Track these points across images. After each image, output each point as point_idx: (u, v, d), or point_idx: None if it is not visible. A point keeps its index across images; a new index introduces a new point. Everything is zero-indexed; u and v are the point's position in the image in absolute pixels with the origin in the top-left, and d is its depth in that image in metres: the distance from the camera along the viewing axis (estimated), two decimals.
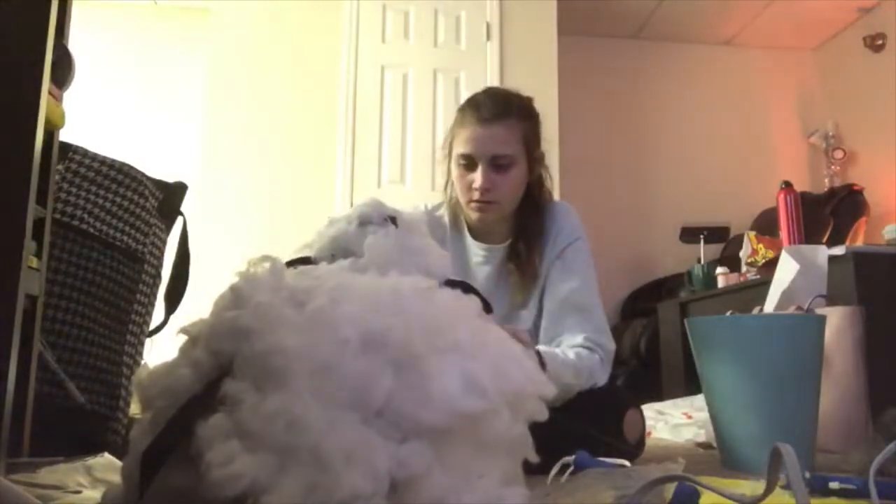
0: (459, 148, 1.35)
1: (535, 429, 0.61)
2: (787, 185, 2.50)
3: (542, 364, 1.12)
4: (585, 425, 1.11)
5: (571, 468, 0.87)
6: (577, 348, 1.28)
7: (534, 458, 0.61)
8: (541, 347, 1.25)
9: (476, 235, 1.45)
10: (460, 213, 1.46)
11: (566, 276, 1.36)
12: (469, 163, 1.34)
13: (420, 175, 3.11)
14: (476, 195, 1.34)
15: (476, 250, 1.44)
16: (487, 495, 0.53)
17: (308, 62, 3.20)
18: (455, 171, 1.38)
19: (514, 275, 1.38)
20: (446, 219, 1.47)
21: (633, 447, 1.26)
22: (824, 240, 2.98)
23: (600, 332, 1.31)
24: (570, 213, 1.45)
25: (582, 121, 3.84)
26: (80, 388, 1.20)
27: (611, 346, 1.32)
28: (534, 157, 1.39)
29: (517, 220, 1.42)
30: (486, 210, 1.36)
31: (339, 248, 0.85)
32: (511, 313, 1.41)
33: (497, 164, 1.33)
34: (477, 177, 1.33)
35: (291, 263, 0.82)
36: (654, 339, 3.28)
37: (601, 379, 1.28)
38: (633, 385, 3.18)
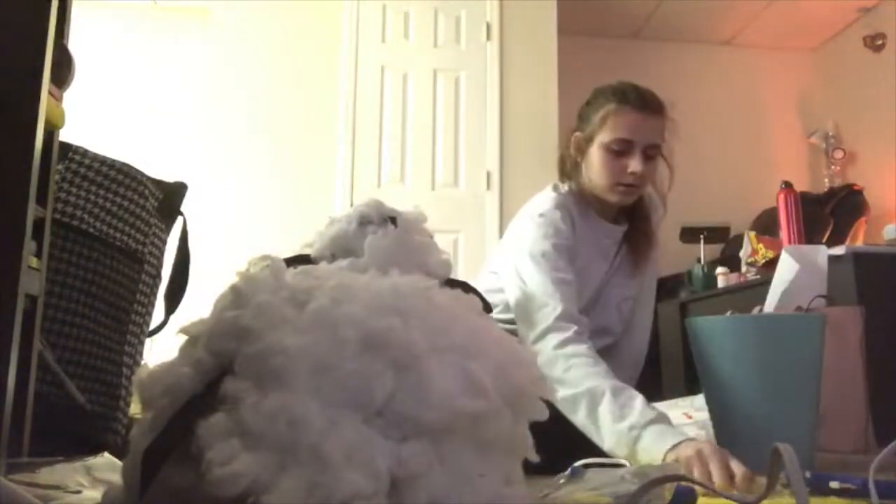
0: (618, 133, 1.38)
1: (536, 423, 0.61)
2: (787, 185, 2.49)
3: None
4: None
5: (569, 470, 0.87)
6: None
7: (534, 457, 0.61)
8: None
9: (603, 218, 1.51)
10: (586, 197, 1.49)
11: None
12: (624, 149, 1.39)
13: (420, 175, 3.11)
14: (630, 179, 1.39)
15: (608, 231, 1.51)
16: (488, 495, 0.53)
17: (308, 62, 3.20)
18: (602, 156, 1.41)
19: (643, 245, 1.53)
20: (571, 203, 1.47)
21: None
22: (824, 240, 2.98)
23: None
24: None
25: None
26: (80, 388, 1.20)
27: None
28: (663, 154, 1.48)
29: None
30: (630, 194, 1.43)
31: (339, 248, 0.85)
32: (631, 283, 1.56)
33: (648, 154, 1.40)
34: (635, 163, 1.38)
35: (290, 262, 0.82)
36: (654, 339, 3.26)
37: None
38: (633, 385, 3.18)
